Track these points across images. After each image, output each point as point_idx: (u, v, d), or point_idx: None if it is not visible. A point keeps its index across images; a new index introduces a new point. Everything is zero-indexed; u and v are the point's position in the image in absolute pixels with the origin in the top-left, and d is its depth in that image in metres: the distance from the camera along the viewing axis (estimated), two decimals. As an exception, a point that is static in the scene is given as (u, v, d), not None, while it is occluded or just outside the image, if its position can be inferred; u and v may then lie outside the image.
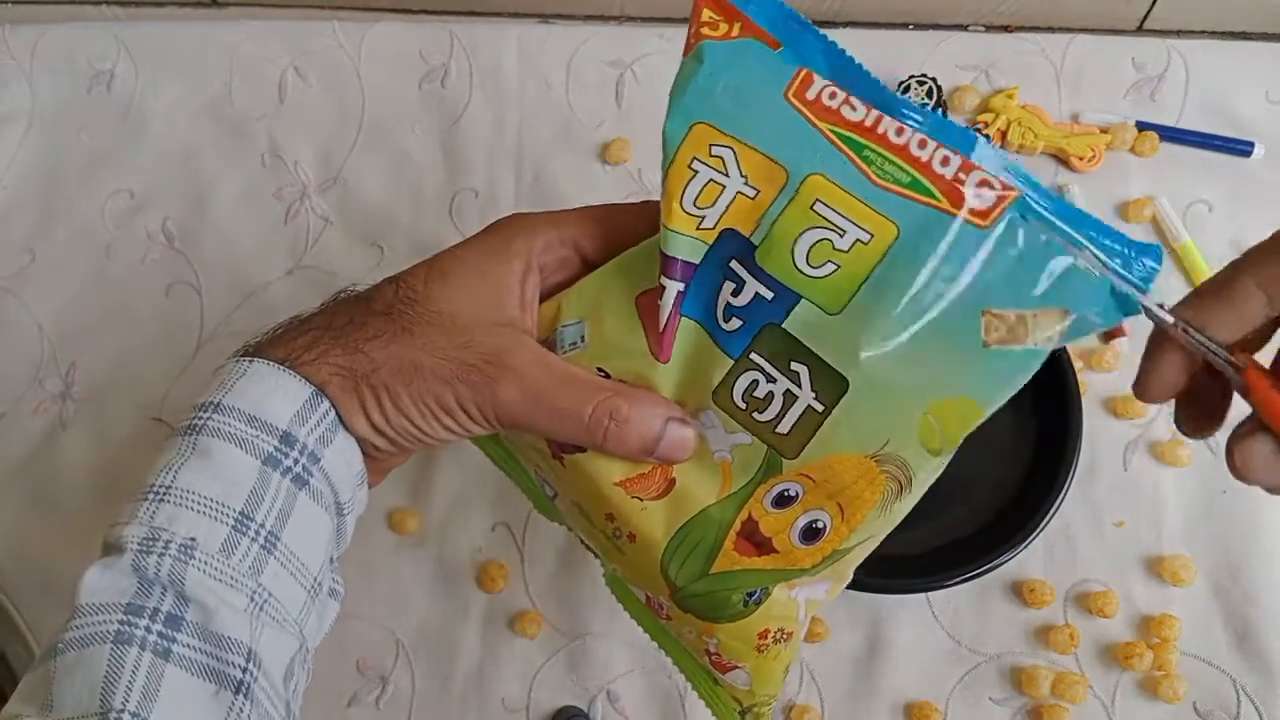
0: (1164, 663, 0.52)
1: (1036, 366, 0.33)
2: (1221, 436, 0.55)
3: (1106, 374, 0.56)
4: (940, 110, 0.59)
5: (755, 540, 0.36)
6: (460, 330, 0.36)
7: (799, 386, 0.34)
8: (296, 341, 0.36)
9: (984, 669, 0.53)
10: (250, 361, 0.36)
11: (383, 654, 0.56)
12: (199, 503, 0.34)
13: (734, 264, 0.35)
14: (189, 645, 0.32)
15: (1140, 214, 0.58)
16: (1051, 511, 0.51)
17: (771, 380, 0.34)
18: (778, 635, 0.37)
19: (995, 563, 0.51)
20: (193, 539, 0.33)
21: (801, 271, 0.34)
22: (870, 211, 0.33)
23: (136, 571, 0.32)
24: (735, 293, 0.35)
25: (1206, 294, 0.32)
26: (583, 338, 0.37)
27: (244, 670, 0.32)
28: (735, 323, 0.35)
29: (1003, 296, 0.32)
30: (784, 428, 0.34)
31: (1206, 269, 0.57)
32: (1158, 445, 0.55)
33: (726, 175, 0.34)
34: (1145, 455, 0.55)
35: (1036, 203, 0.33)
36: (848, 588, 0.40)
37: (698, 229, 0.35)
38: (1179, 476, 0.55)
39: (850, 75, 0.34)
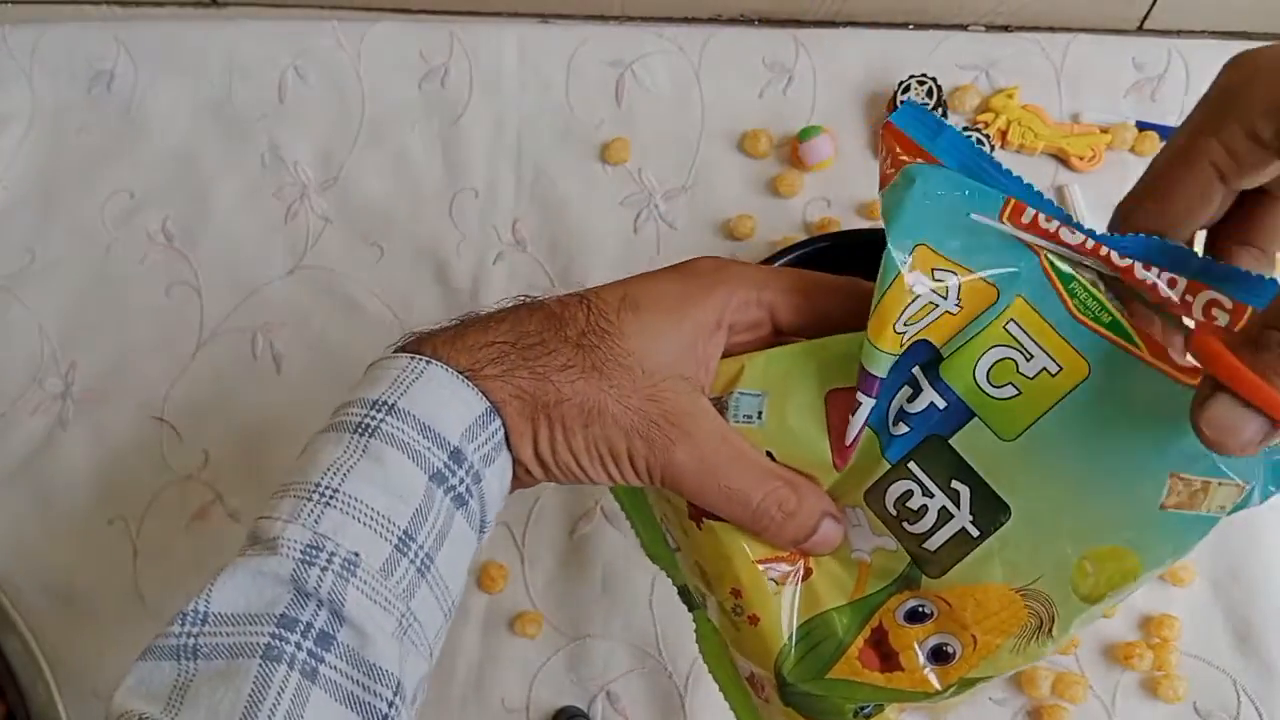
0: (1164, 663, 0.52)
1: (1205, 535, 0.32)
2: (1222, 436, 0.56)
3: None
4: (942, 110, 0.59)
5: (882, 651, 0.34)
6: (647, 377, 0.35)
7: (957, 506, 0.33)
8: (479, 352, 0.35)
9: (984, 669, 0.53)
10: (427, 363, 0.34)
11: (383, 654, 0.56)
12: (367, 515, 0.32)
13: (916, 370, 0.34)
14: (337, 669, 0.30)
15: (1140, 214, 0.58)
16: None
17: (929, 494, 0.33)
18: None
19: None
20: (357, 554, 0.31)
21: (980, 388, 0.33)
22: (1063, 344, 0.32)
23: (294, 581, 0.31)
24: (911, 399, 0.33)
25: (1165, 188, 0.31)
26: (760, 413, 0.36)
27: (390, 705, 0.31)
28: (902, 428, 0.34)
29: (1193, 461, 0.31)
30: (933, 545, 0.33)
31: (1207, 269, 0.57)
32: (1158, 445, 0.55)
33: (944, 299, 0.33)
34: (1145, 455, 0.55)
35: None
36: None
37: (899, 345, 0.33)
38: (1179, 476, 0.55)
39: (1046, 209, 0.33)
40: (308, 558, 0.31)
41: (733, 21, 0.65)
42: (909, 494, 0.34)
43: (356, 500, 0.32)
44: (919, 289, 0.32)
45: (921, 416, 0.33)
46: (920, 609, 0.34)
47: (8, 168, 0.64)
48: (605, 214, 0.61)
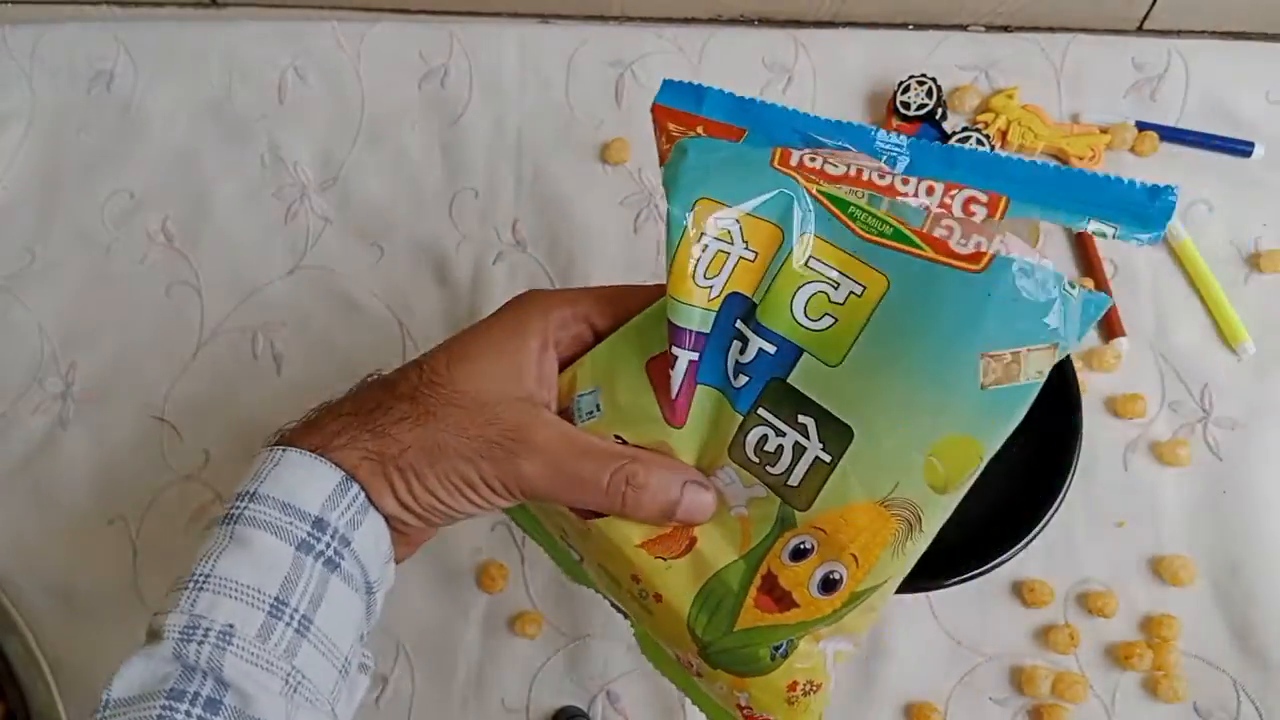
0: (1164, 663, 0.52)
1: (1031, 400, 0.34)
2: (1221, 436, 0.56)
3: (1107, 374, 0.56)
4: (941, 110, 0.59)
5: (775, 595, 0.36)
6: (482, 408, 0.38)
7: (806, 438, 0.35)
8: (327, 428, 0.38)
9: (984, 669, 0.53)
10: (283, 450, 0.37)
11: (383, 654, 0.56)
12: (236, 590, 0.35)
13: (739, 324, 0.36)
14: None
15: (1140, 214, 0.58)
16: (1051, 511, 0.51)
17: (780, 434, 0.36)
18: (806, 687, 0.38)
19: (995, 563, 0.50)
20: (231, 625, 0.34)
21: (801, 325, 0.35)
22: (860, 265, 0.35)
23: (178, 658, 0.34)
24: (742, 350, 0.36)
25: None
26: (598, 406, 0.39)
27: None
28: (743, 379, 0.36)
29: (998, 338, 0.33)
30: (794, 480, 0.35)
31: (1206, 269, 0.57)
32: (1158, 445, 0.55)
33: (732, 244, 0.35)
34: (1145, 455, 0.55)
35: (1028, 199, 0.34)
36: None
37: (708, 300, 0.36)
38: (1179, 476, 0.55)
39: (819, 128, 0.37)
40: (186, 636, 0.34)
41: (733, 22, 0.65)
42: (764, 438, 0.36)
43: (226, 580, 0.35)
44: (706, 238, 0.35)
45: (755, 364, 0.36)
46: (801, 546, 0.36)
47: (8, 168, 0.65)
48: (605, 214, 0.61)
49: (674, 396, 0.37)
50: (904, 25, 0.64)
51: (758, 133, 0.37)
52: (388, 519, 0.38)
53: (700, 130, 0.38)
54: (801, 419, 0.35)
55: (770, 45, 0.63)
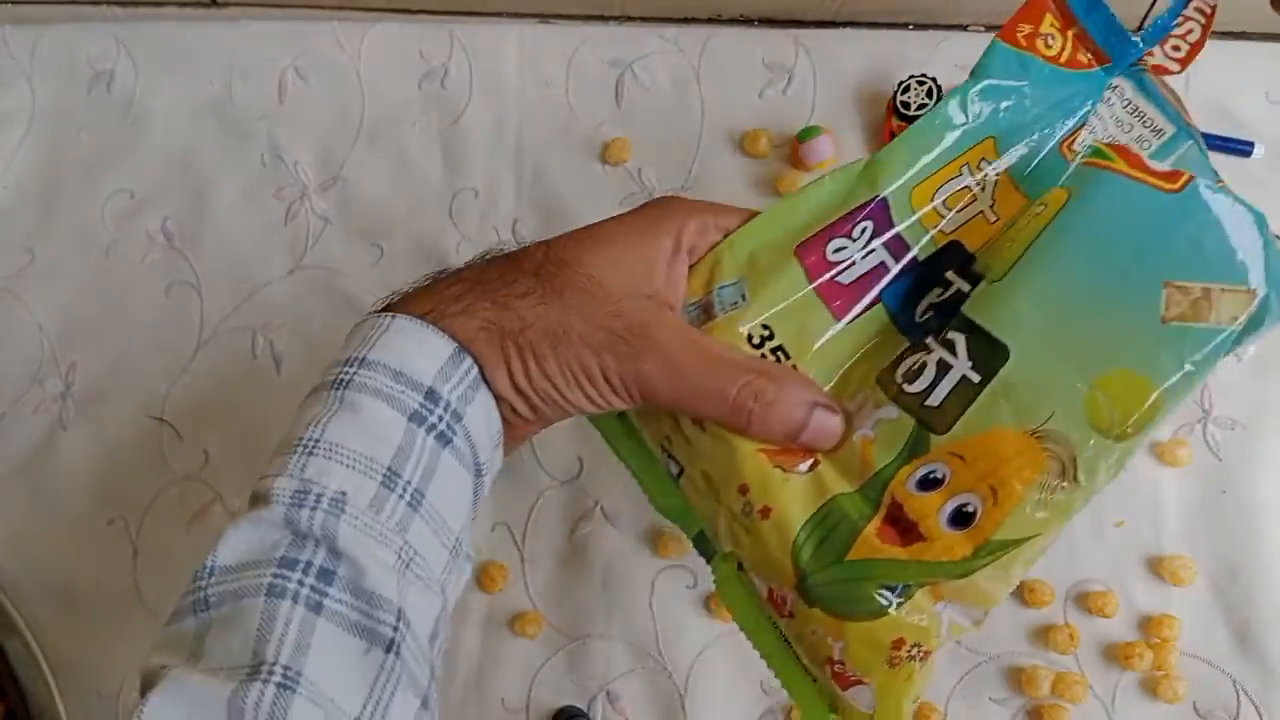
0: (1164, 663, 0.52)
1: (1221, 354, 0.30)
2: (1221, 435, 0.56)
3: (1106, 374, 0.56)
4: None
5: (900, 525, 0.32)
6: (608, 298, 0.36)
7: (954, 355, 0.32)
8: (444, 293, 0.36)
9: (984, 669, 0.53)
10: (392, 317, 0.36)
11: (383, 654, 0.55)
12: (348, 457, 0.33)
13: (950, 274, 0.34)
14: (340, 601, 0.31)
15: (1140, 214, 0.58)
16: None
17: (924, 349, 0.32)
18: (913, 651, 0.33)
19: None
20: (343, 493, 0.32)
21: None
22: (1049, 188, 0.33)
23: (289, 525, 0.32)
24: (940, 295, 0.34)
25: None
26: (744, 296, 0.36)
27: (394, 629, 0.32)
28: (927, 316, 0.34)
29: (1187, 267, 0.30)
30: (935, 400, 0.32)
31: (1206, 269, 0.57)
32: (1158, 445, 0.55)
33: (983, 193, 0.34)
34: (1145, 455, 0.55)
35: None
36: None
37: (936, 228, 0.34)
38: (1179, 476, 0.55)
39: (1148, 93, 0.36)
40: (297, 501, 0.32)
41: (733, 22, 0.65)
42: (910, 357, 0.33)
43: (337, 446, 0.33)
44: (965, 170, 0.33)
45: (945, 306, 0.34)
46: (931, 475, 0.32)
47: (8, 168, 0.65)
48: (605, 214, 0.60)
49: (846, 283, 0.34)
50: (904, 25, 0.64)
51: (1116, 65, 0.35)
52: (498, 401, 0.36)
53: (1071, 39, 0.35)
54: (950, 335, 0.32)
55: (770, 45, 0.63)
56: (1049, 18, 0.35)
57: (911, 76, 0.60)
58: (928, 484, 0.32)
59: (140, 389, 0.60)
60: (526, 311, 0.35)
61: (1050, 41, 0.35)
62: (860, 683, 0.34)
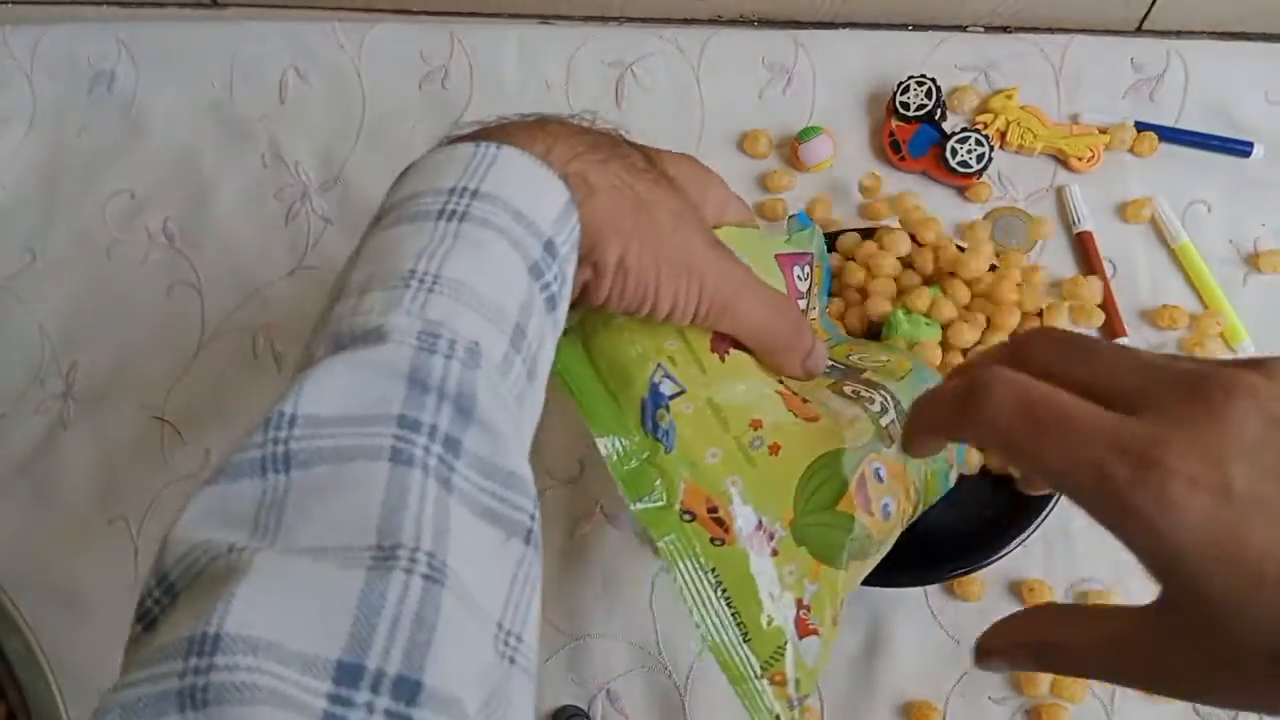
0: (1163, 662, 0.52)
1: None
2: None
3: (1106, 374, 0.56)
4: (940, 111, 0.59)
5: (865, 496, 0.38)
6: (705, 220, 0.35)
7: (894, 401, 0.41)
8: (557, 140, 0.30)
9: (983, 668, 0.53)
10: (498, 148, 0.29)
11: (383, 654, 0.55)
12: (479, 302, 0.26)
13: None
14: (468, 479, 0.25)
15: (1139, 214, 0.58)
16: (1051, 510, 0.51)
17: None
18: (839, 614, 0.38)
19: (994, 558, 0.51)
20: (476, 343, 0.26)
21: None
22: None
23: (412, 374, 0.25)
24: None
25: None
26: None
27: (531, 518, 0.26)
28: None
29: None
30: (885, 422, 0.40)
31: (1205, 269, 0.57)
32: (1157, 445, 0.55)
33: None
34: (1144, 455, 0.55)
35: None
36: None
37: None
38: (1178, 476, 0.55)
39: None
40: (425, 346, 0.25)
41: (732, 22, 0.65)
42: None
43: (464, 285, 0.26)
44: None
45: None
46: (878, 471, 0.39)
47: (8, 168, 0.65)
48: (605, 214, 0.61)
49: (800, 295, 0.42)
50: (904, 26, 0.64)
51: None
52: (589, 268, 0.30)
53: None
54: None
55: (770, 45, 0.63)
56: None
57: (911, 77, 0.60)
58: (878, 477, 0.39)
59: (141, 389, 0.60)
60: (649, 189, 0.30)
61: None
62: (815, 633, 0.37)
